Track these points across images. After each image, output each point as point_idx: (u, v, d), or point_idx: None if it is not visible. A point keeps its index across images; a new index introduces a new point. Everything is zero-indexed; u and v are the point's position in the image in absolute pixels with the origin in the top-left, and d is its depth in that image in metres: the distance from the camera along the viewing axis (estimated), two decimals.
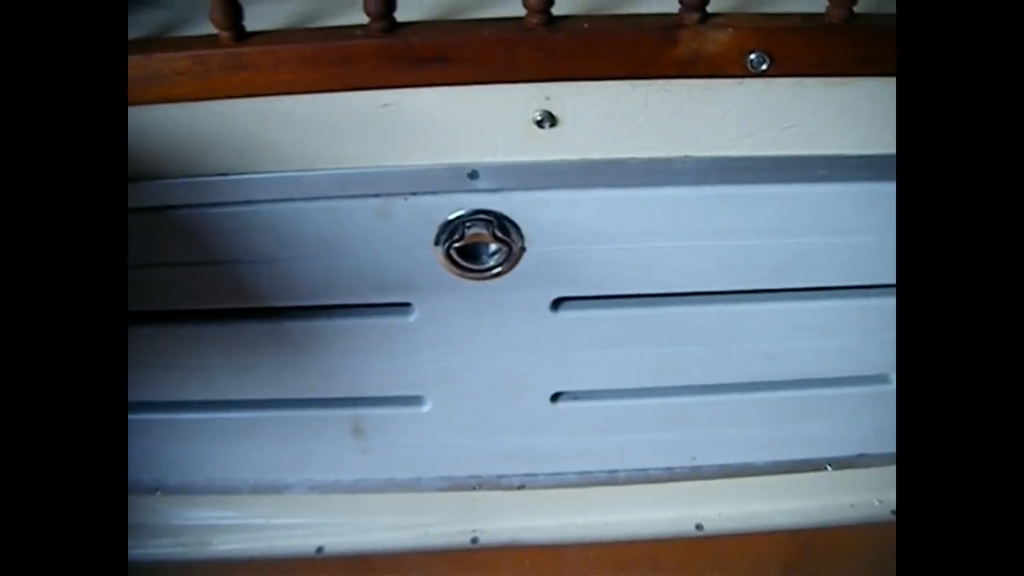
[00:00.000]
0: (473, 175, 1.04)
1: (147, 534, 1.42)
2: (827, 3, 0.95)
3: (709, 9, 0.96)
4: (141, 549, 1.42)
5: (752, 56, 0.96)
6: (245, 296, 1.14)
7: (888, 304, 1.16)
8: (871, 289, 1.15)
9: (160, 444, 1.35)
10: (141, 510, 1.42)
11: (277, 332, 1.20)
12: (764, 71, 0.97)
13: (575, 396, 1.28)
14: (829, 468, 1.38)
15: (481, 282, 1.13)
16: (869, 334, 1.20)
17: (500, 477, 1.37)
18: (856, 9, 0.95)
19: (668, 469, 1.37)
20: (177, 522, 1.42)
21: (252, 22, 0.96)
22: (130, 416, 1.31)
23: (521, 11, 0.95)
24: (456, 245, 1.09)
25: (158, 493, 1.40)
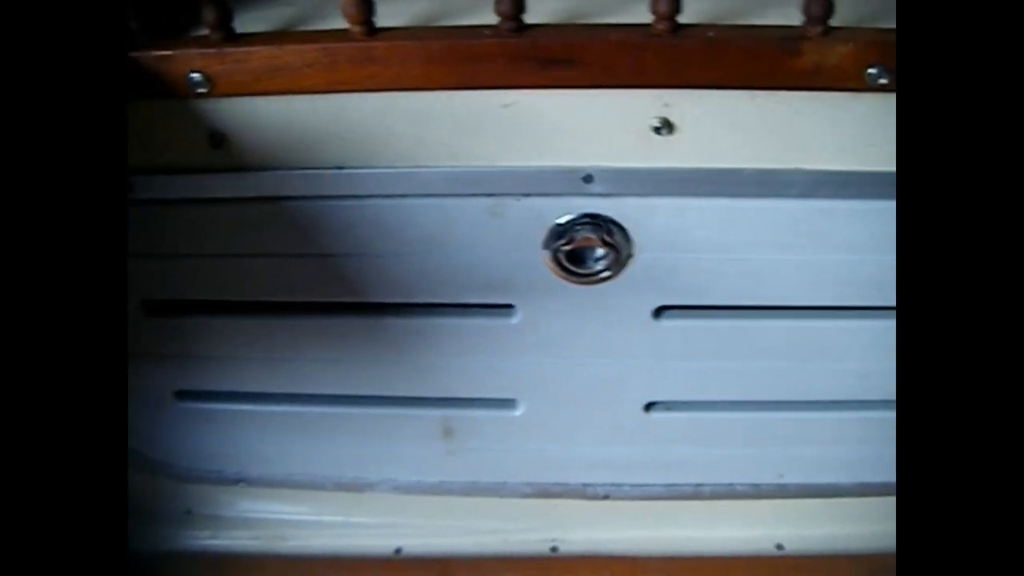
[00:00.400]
0: (587, 179, 1.04)
1: (226, 525, 1.43)
2: None
3: (833, 23, 0.96)
4: (218, 540, 1.43)
5: (872, 70, 0.97)
6: (349, 290, 1.16)
7: None
8: None
9: (247, 435, 1.36)
10: (223, 501, 1.43)
11: (376, 328, 1.21)
12: (882, 85, 0.97)
13: (669, 407, 1.28)
14: None
15: (586, 287, 1.13)
16: None
17: (585, 486, 1.37)
18: None
19: (754, 486, 1.36)
20: (257, 515, 1.43)
21: (381, 19, 0.98)
22: (219, 406, 1.33)
23: (647, 17, 0.96)
24: (565, 248, 1.09)
25: (241, 484, 1.40)
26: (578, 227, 1.08)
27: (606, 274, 1.12)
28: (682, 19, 0.96)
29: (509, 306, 1.17)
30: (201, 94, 1.00)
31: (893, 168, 1.04)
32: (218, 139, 1.04)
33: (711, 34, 0.97)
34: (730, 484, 1.36)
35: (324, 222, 1.09)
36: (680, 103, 1.01)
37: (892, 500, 1.32)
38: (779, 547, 1.39)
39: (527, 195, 1.06)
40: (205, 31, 0.99)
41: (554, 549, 1.39)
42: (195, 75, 0.99)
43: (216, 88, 0.99)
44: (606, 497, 1.37)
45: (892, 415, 1.27)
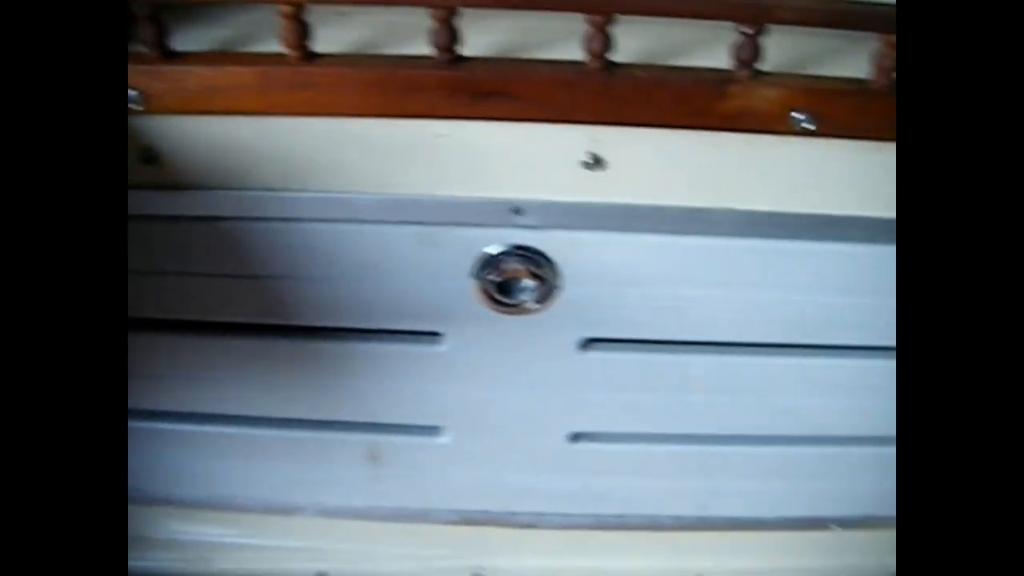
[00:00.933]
0: (517, 211, 1.06)
1: (150, 547, 1.41)
2: (871, 70, 0.98)
3: (760, 68, 0.98)
4: (143, 561, 1.40)
5: (796, 114, 0.99)
6: (278, 312, 1.16)
7: None
8: (893, 351, 1.17)
9: (172, 456, 1.34)
10: (146, 522, 1.41)
11: (304, 351, 1.21)
12: (806, 130, 0.99)
13: (594, 438, 1.29)
14: (834, 527, 1.39)
15: (514, 317, 1.14)
16: (885, 395, 1.21)
17: (511, 514, 1.37)
18: None
19: (677, 518, 1.37)
20: (181, 536, 1.41)
21: (319, 44, 0.98)
22: (144, 425, 1.30)
23: (580, 55, 0.97)
24: (493, 279, 1.10)
25: (166, 505, 1.39)
26: (507, 258, 1.09)
27: (534, 305, 1.13)
28: (616, 58, 0.98)
29: (437, 334, 1.18)
30: (135, 111, 0.99)
31: (816, 210, 1.07)
32: (151, 156, 1.03)
33: (642, 74, 0.99)
34: (654, 515, 1.37)
35: (254, 244, 1.09)
36: (610, 140, 1.02)
37: (811, 534, 1.35)
38: None
39: (457, 224, 1.08)
40: (141, 48, 0.99)
41: None
42: (130, 92, 0.98)
43: (151, 105, 0.99)
44: (531, 526, 1.37)
45: (813, 450, 1.30)
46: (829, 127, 1.00)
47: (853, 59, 1.01)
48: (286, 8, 0.95)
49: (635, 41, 1.02)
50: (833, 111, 0.99)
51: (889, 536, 1.31)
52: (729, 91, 0.98)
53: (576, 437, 1.28)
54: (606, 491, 1.35)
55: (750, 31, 0.96)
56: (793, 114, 0.99)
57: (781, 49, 1.01)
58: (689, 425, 1.27)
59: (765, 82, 0.99)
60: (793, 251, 1.10)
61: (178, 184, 1.06)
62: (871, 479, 1.30)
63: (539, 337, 1.17)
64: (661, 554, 1.40)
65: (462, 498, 1.36)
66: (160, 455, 1.34)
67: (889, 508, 1.30)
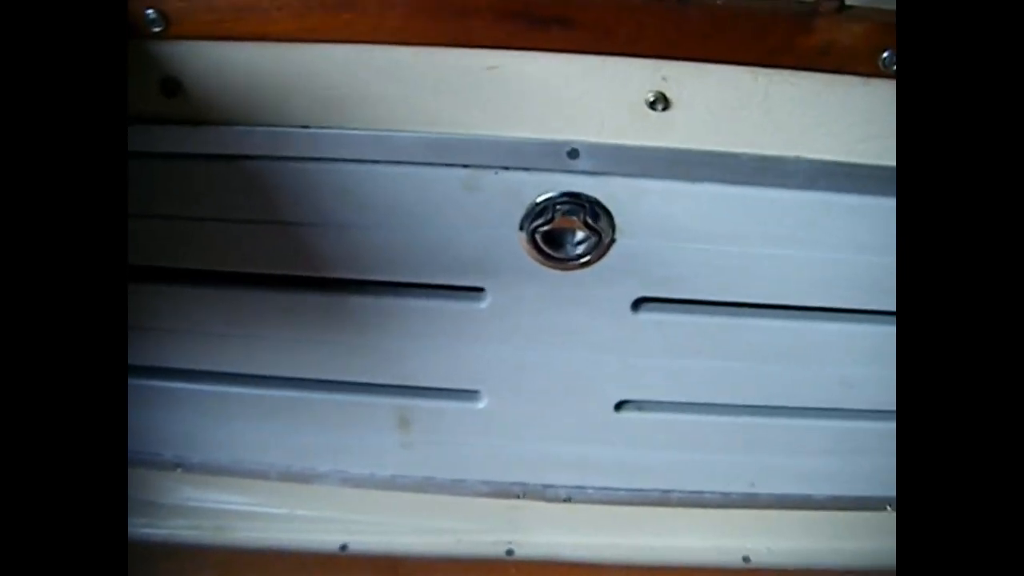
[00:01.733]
0: (572, 154, 0.98)
1: (163, 513, 1.35)
2: None
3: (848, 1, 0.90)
4: (154, 528, 1.34)
5: (885, 54, 0.91)
6: (307, 263, 1.08)
7: None
8: None
9: (187, 417, 1.28)
10: (158, 487, 1.35)
11: (333, 306, 1.14)
12: (895, 72, 0.91)
13: (640, 406, 1.22)
14: (889, 508, 1.31)
15: (563, 272, 1.07)
16: None
17: (546, 487, 1.31)
18: None
19: (724, 495, 1.31)
20: (195, 503, 1.35)
21: None
22: (157, 384, 1.25)
23: None
24: (542, 229, 1.02)
25: (178, 471, 1.32)
26: (559, 206, 1.01)
27: (585, 259, 1.05)
28: None
29: (479, 289, 1.11)
30: (156, 34, 0.91)
31: (894, 162, 0.98)
32: (172, 87, 0.95)
33: (718, 2, 0.90)
34: (699, 491, 1.31)
35: (284, 186, 1.01)
36: (679, 77, 0.94)
37: (865, 515, 1.28)
38: (746, 559, 1.34)
39: (506, 168, 1.00)
40: None
41: (510, 552, 1.32)
42: (150, 12, 0.89)
43: (173, 28, 0.91)
44: (568, 499, 1.31)
45: (873, 426, 1.23)
46: None
47: None
48: None
49: None
50: None
51: None
52: (814, 24, 0.90)
53: (622, 405, 1.22)
54: (650, 464, 1.29)
55: None
56: (883, 54, 0.90)
57: None
58: (741, 395, 1.21)
59: (853, 15, 0.91)
60: (870, 207, 1.02)
61: (202, 119, 0.98)
62: None
63: (589, 295, 1.09)
64: (705, 533, 1.34)
65: (496, 469, 1.30)
66: (173, 417, 1.28)
67: None
